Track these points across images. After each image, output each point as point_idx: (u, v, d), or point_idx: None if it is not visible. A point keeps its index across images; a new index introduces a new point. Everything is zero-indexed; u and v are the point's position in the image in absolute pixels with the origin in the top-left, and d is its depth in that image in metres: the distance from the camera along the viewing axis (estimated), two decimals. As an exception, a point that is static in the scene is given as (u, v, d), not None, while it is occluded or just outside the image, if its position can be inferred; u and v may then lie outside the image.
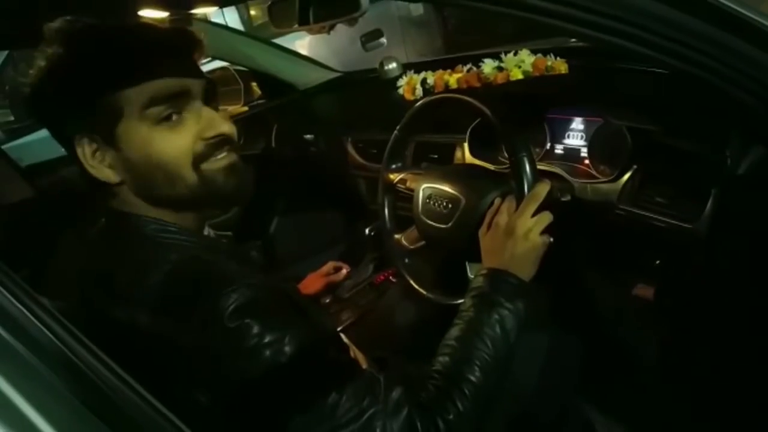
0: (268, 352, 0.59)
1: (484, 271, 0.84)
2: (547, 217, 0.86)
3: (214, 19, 2.13)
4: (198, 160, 0.65)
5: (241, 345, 0.59)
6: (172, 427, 0.44)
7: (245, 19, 4.49)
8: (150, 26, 0.72)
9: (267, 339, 0.59)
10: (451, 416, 0.66)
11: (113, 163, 0.65)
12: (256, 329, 0.59)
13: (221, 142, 0.67)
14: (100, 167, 0.65)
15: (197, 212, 0.71)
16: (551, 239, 0.86)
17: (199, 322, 0.59)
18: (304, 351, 0.61)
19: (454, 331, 0.77)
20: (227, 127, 0.67)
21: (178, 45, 0.67)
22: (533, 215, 0.86)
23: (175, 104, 0.64)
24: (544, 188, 0.88)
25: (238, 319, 0.59)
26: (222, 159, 0.67)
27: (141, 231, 0.66)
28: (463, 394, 0.69)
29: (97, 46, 0.63)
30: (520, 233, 0.84)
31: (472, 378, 0.71)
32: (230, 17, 4.25)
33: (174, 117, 0.64)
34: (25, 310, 0.43)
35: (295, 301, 0.70)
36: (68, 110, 0.64)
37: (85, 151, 0.64)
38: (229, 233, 0.86)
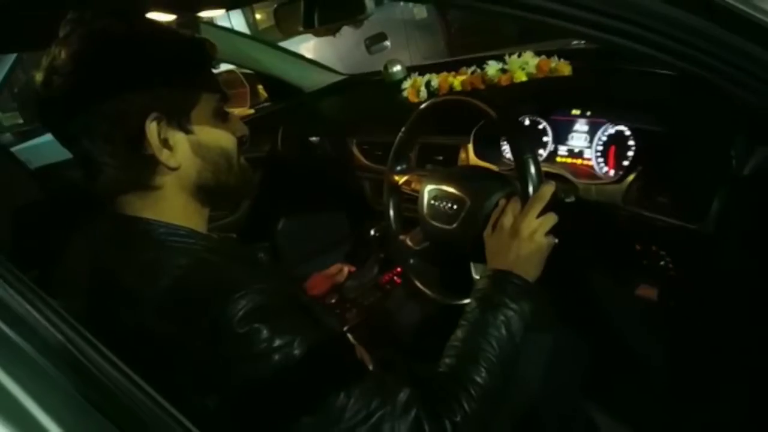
0: (277, 357, 0.60)
1: (489, 273, 0.84)
2: (551, 219, 0.86)
3: (219, 23, 2.15)
4: (238, 154, 0.75)
5: (250, 350, 0.59)
6: (179, 426, 0.44)
7: (251, 22, 4.51)
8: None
9: (276, 343, 0.60)
10: (458, 418, 0.66)
11: (177, 146, 0.67)
12: (265, 334, 0.60)
13: (243, 141, 0.77)
14: (162, 149, 0.66)
15: (224, 205, 0.78)
16: (556, 240, 0.86)
17: (208, 327, 0.60)
18: (313, 354, 0.62)
19: (460, 333, 0.77)
20: (247, 129, 0.77)
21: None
22: (538, 216, 0.86)
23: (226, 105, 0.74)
24: (548, 190, 0.88)
25: (248, 324, 0.59)
26: (242, 156, 0.77)
27: (150, 234, 0.67)
28: (469, 396, 0.69)
29: (192, 42, 0.71)
30: (525, 234, 0.84)
31: (479, 379, 0.71)
32: (236, 21, 4.28)
33: (228, 115, 0.74)
34: (33, 310, 0.43)
35: (303, 304, 0.70)
36: (147, 88, 0.65)
37: (153, 130, 0.65)
38: (234, 235, 0.87)
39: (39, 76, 0.64)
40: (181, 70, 0.68)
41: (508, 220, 0.88)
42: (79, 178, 0.70)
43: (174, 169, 0.68)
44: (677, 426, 1.15)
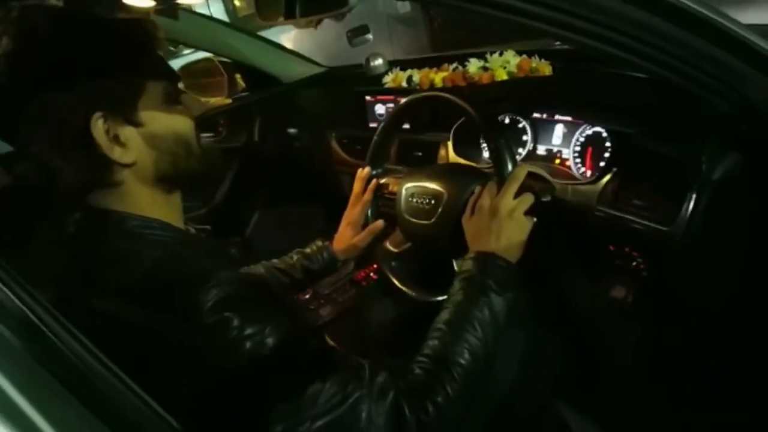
0: (248, 344, 0.59)
1: (472, 255, 0.84)
2: (529, 198, 0.87)
3: (198, 10, 2.10)
4: (197, 136, 0.73)
5: (221, 338, 0.59)
6: (154, 414, 0.44)
7: (230, 9, 4.45)
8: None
9: (247, 331, 0.59)
10: (439, 398, 0.66)
11: (128, 142, 0.65)
12: (236, 322, 0.59)
13: (201, 120, 0.74)
14: (114, 147, 0.64)
15: (192, 191, 0.77)
16: (535, 219, 0.86)
17: (179, 317, 0.59)
18: (286, 341, 0.61)
19: (443, 315, 0.77)
20: (205, 106, 0.73)
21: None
22: (515, 198, 0.86)
23: (178, 86, 0.71)
24: (523, 170, 0.89)
25: (218, 313, 0.59)
26: (203, 136, 0.75)
27: (123, 227, 0.66)
28: (451, 377, 0.68)
29: (130, 26, 0.66)
30: (504, 213, 0.85)
31: (461, 360, 0.71)
32: (215, 8, 4.21)
33: (182, 97, 0.71)
34: (11, 296, 0.43)
35: (274, 294, 0.70)
36: (85, 89, 0.62)
37: (100, 129, 0.62)
38: (208, 227, 0.85)
39: None
40: (120, 61, 0.64)
41: (485, 202, 0.88)
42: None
43: (129, 165, 0.66)
44: (645, 425, 1.18)
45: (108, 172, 0.66)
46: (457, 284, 0.81)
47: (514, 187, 0.87)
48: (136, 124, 0.66)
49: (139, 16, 0.69)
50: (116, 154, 0.64)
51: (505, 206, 0.85)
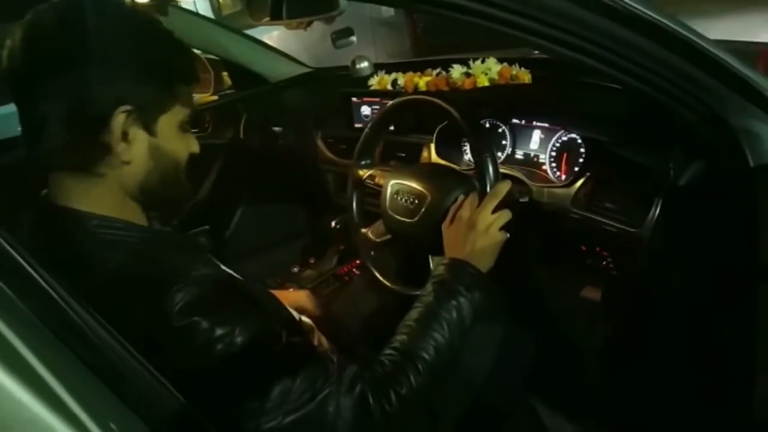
0: (219, 346, 0.61)
1: (446, 261, 0.88)
2: (506, 215, 0.91)
3: (184, 6, 2.10)
4: (186, 170, 0.75)
5: (191, 342, 0.60)
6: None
7: (215, 7, 4.43)
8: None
9: (217, 333, 0.61)
10: (403, 390, 0.70)
11: (134, 142, 0.66)
12: (205, 325, 0.60)
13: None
14: (120, 141, 0.65)
15: (157, 213, 0.77)
16: (508, 235, 0.91)
17: (146, 321, 0.59)
18: (256, 340, 0.63)
19: (413, 313, 0.81)
20: (198, 148, 0.76)
21: None
22: (494, 212, 0.91)
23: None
24: (504, 186, 0.93)
25: (186, 317, 0.60)
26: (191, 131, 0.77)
27: (82, 226, 0.65)
28: (416, 370, 0.72)
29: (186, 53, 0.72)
30: (481, 227, 0.89)
31: (426, 356, 0.74)
32: (201, 5, 4.19)
33: (188, 129, 0.74)
34: (31, 271, 0.45)
35: (244, 290, 0.71)
36: (133, 81, 0.64)
37: (120, 121, 0.64)
38: (174, 222, 0.85)
39: (18, 35, 0.61)
40: (168, 76, 0.68)
41: (465, 214, 0.92)
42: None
43: (124, 164, 0.67)
44: (612, 418, 1.23)
45: (97, 160, 0.65)
46: (429, 287, 0.85)
47: (493, 203, 0.91)
48: (152, 132, 0.68)
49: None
50: (120, 148, 0.65)
51: (482, 221, 0.89)
